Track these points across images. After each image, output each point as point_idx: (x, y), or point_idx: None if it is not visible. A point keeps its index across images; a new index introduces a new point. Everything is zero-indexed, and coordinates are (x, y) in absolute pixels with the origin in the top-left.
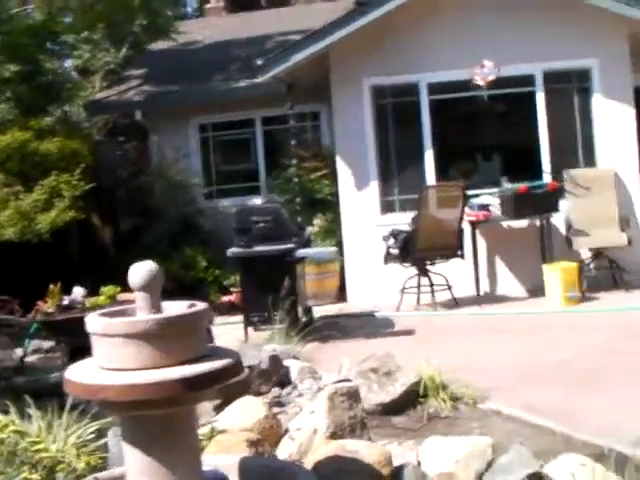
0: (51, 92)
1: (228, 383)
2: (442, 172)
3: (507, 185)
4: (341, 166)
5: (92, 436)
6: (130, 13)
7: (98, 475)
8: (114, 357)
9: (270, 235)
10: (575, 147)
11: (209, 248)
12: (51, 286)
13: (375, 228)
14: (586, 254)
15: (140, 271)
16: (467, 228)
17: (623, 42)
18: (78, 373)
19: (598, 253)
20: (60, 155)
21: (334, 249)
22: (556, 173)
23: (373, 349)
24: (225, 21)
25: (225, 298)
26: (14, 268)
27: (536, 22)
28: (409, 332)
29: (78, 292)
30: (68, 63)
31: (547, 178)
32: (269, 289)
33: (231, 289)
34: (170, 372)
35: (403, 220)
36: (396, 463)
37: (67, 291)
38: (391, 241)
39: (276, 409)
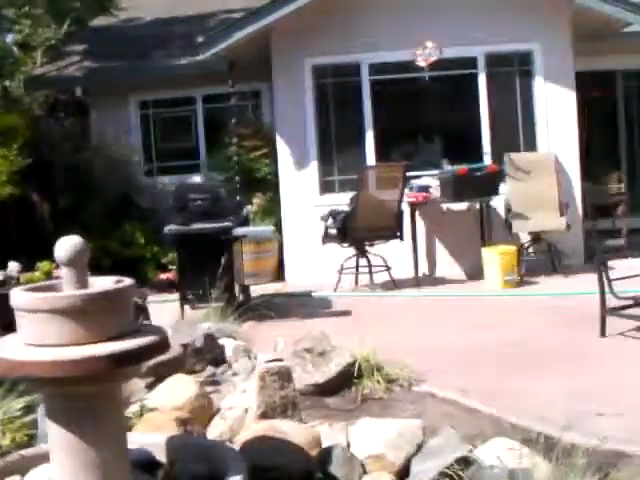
0: None
1: (156, 361)
2: (383, 153)
3: (447, 167)
4: (281, 145)
5: (20, 412)
6: None
7: (23, 452)
8: (37, 333)
9: (208, 213)
10: (516, 130)
11: (148, 225)
12: None
13: (314, 208)
14: (525, 238)
15: (65, 246)
16: (407, 209)
17: (565, 26)
18: (0, 349)
19: (537, 237)
20: None
21: (272, 228)
22: (497, 156)
23: (309, 329)
24: None
25: (163, 276)
26: None
27: (480, 4)
28: (346, 313)
29: (13, 267)
30: (9, 38)
31: (487, 161)
32: (205, 267)
33: (169, 267)
34: (93, 349)
35: (342, 200)
36: (326, 444)
37: (3, 266)
38: (329, 221)
39: (210, 388)
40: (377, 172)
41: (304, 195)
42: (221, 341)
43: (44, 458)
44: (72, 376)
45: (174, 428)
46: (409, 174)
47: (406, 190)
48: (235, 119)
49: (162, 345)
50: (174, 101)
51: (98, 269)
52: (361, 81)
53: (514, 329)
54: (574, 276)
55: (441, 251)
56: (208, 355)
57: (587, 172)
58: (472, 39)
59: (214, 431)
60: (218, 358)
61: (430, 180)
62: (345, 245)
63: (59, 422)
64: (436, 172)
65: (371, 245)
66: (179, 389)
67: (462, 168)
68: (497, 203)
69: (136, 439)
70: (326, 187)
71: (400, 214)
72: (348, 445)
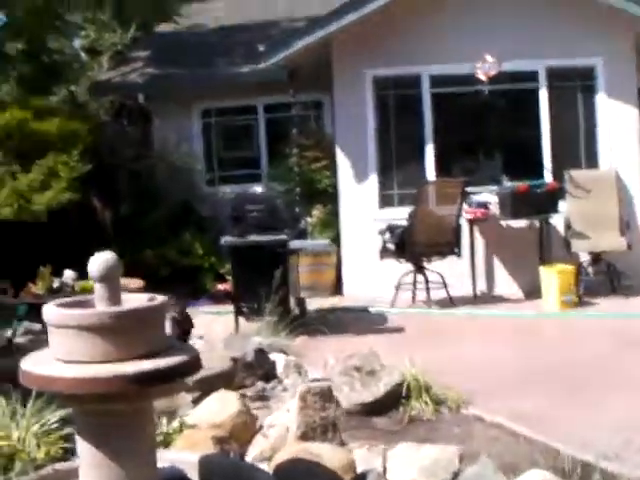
0: (55, 72)
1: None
2: (443, 167)
3: (507, 183)
4: (341, 158)
5: (56, 425)
6: None
7: (57, 466)
8: (67, 349)
9: (264, 225)
10: (577, 147)
11: (207, 235)
12: (41, 268)
13: (373, 222)
14: (585, 257)
15: (98, 262)
16: (465, 226)
17: (629, 41)
18: (32, 363)
19: (597, 257)
20: (59, 136)
21: (328, 242)
22: (557, 173)
23: (362, 345)
24: (233, 5)
25: (220, 286)
26: (10, 248)
27: (542, 18)
28: (401, 329)
29: (69, 275)
30: (76, 43)
31: (548, 178)
32: (260, 280)
33: (227, 277)
34: (121, 367)
35: (401, 215)
36: (362, 468)
37: (60, 273)
38: (387, 236)
39: (258, 404)
40: (436, 187)
41: (363, 208)
42: (273, 356)
43: (78, 473)
44: (97, 393)
45: (211, 446)
46: (468, 189)
47: (465, 206)
48: (296, 129)
49: (192, 365)
50: (236, 110)
51: (156, 278)
52: (422, 93)
53: (569, 352)
54: (635, 297)
55: (499, 269)
56: (259, 370)
57: None
58: (534, 53)
59: (255, 449)
60: (269, 373)
61: (489, 196)
62: (402, 260)
63: (86, 438)
64: (496, 188)
65: (429, 261)
66: (222, 405)
67: (522, 185)
68: (557, 221)
69: (170, 456)
70: (385, 201)
71: (458, 230)
72: (385, 470)
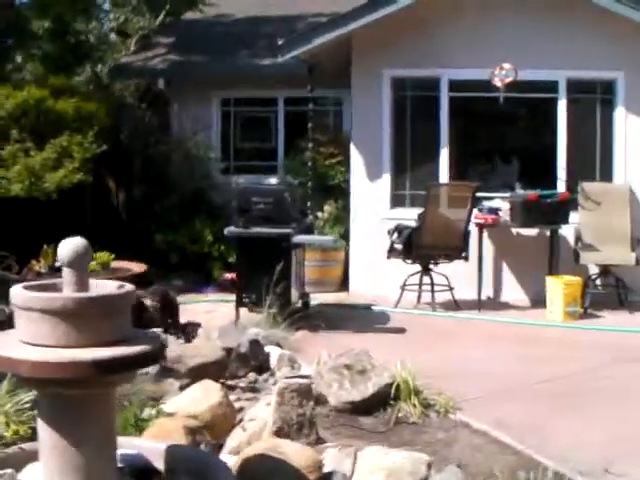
0: (80, 52)
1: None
2: (456, 171)
3: (520, 191)
4: (355, 155)
5: (28, 405)
6: None
7: (23, 445)
8: (31, 332)
9: (269, 218)
10: (593, 159)
11: (218, 223)
12: (45, 246)
13: (383, 221)
14: (594, 270)
15: (67, 246)
16: (475, 230)
17: None
18: None
19: (605, 270)
20: (76, 116)
21: (334, 237)
22: (572, 184)
23: (361, 343)
24: None
25: (228, 275)
26: (19, 225)
27: (564, 29)
28: (401, 330)
29: None
30: (105, 25)
31: (561, 188)
32: (263, 272)
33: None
34: (81, 353)
35: (412, 216)
36: (332, 468)
37: None
38: (395, 236)
39: (249, 395)
40: (446, 190)
41: (374, 207)
42: (268, 348)
43: None
44: (57, 378)
45: (182, 436)
46: (481, 194)
47: (476, 211)
48: (313, 124)
49: (152, 355)
50: (256, 101)
51: (166, 264)
52: (440, 96)
53: (567, 363)
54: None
55: (507, 275)
56: (252, 361)
57: None
58: (555, 63)
59: (233, 441)
60: (262, 365)
61: (501, 203)
62: (409, 261)
63: (46, 421)
64: (508, 195)
65: (436, 264)
66: (202, 396)
67: (532, 194)
68: (567, 232)
69: (137, 443)
70: (397, 201)
71: (467, 234)
72: (352, 472)
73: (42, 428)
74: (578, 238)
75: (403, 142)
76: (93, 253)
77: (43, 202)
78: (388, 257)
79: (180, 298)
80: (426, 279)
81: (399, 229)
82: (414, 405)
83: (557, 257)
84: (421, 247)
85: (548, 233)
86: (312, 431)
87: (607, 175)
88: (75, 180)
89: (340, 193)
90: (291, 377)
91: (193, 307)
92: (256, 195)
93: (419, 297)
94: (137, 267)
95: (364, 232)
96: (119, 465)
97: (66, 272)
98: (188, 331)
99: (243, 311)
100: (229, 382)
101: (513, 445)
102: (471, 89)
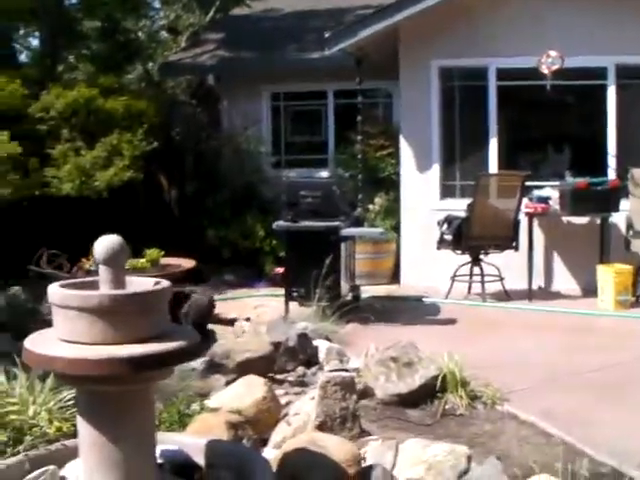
0: (129, 50)
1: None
2: (506, 160)
3: (570, 179)
4: (404, 146)
5: (71, 402)
6: None
7: (66, 442)
8: (68, 329)
9: (318, 211)
10: None
11: (269, 218)
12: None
13: (433, 212)
14: None
15: (103, 244)
16: (524, 220)
17: None
18: (33, 342)
19: None
20: (125, 114)
21: (381, 230)
22: (622, 171)
23: (409, 336)
24: None
25: (279, 269)
26: (72, 223)
27: (613, 15)
28: (451, 321)
29: None
30: (157, 23)
31: (611, 175)
32: (312, 265)
33: None
34: (116, 350)
35: (462, 206)
36: (373, 461)
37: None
38: (445, 227)
39: (297, 389)
40: (495, 180)
41: (424, 198)
42: (316, 342)
43: None
44: (93, 375)
45: (224, 431)
46: (531, 183)
47: (525, 200)
48: (362, 117)
49: (189, 351)
50: (305, 94)
51: (218, 259)
52: (488, 85)
53: (618, 353)
54: None
55: (557, 264)
56: (301, 355)
57: None
58: (603, 49)
59: (278, 436)
60: (311, 359)
61: (551, 191)
62: (459, 252)
63: (85, 417)
64: (557, 183)
65: (486, 254)
66: (246, 391)
67: (581, 182)
68: (618, 219)
69: (178, 439)
70: (446, 191)
71: (517, 224)
72: (394, 465)
73: (81, 425)
74: (629, 226)
75: (452, 132)
76: (145, 250)
77: (94, 200)
78: (438, 248)
79: (232, 293)
80: (476, 269)
81: (449, 220)
82: (461, 397)
83: (608, 245)
84: (471, 238)
85: (598, 221)
86: (355, 424)
87: None
88: (125, 178)
89: (391, 185)
90: (335, 370)
91: (244, 302)
92: (304, 188)
93: (469, 288)
94: (186, 263)
95: (414, 224)
96: (159, 461)
97: (102, 269)
98: (209, 336)
99: (292, 305)
100: (277, 376)
101: (560, 436)
102: (519, 77)
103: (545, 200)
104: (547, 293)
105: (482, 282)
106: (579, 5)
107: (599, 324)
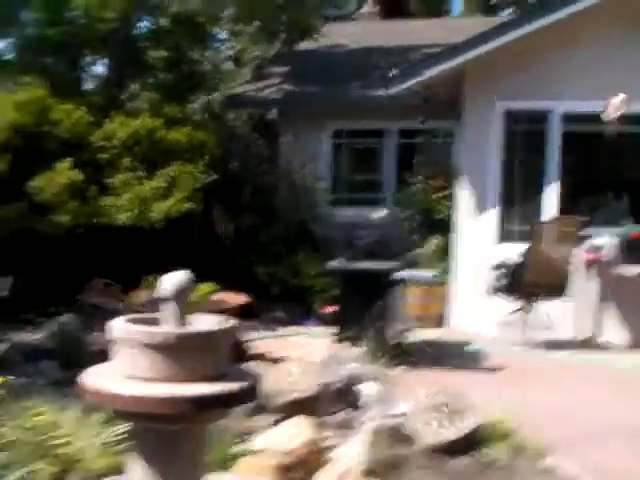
0: (194, 81)
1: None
2: (566, 206)
3: (626, 228)
4: (462, 188)
5: (121, 437)
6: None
7: (114, 478)
8: (130, 365)
9: (375, 252)
10: None
11: (322, 256)
12: (149, 277)
13: (489, 256)
14: None
15: (172, 281)
16: (579, 268)
17: None
18: (93, 377)
19: None
20: (187, 145)
21: (433, 273)
22: None
23: (456, 381)
24: (376, 26)
25: (329, 309)
26: (127, 253)
27: None
28: (499, 369)
29: None
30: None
31: None
32: (364, 306)
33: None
34: (180, 389)
35: (517, 251)
36: None
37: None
38: (500, 272)
39: (342, 431)
40: (552, 226)
41: (479, 242)
42: (365, 384)
43: None
44: (154, 413)
45: (272, 474)
46: (587, 232)
47: (581, 247)
48: (423, 156)
49: (251, 392)
50: (368, 132)
51: (268, 295)
52: (551, 129)
53: None
54: None
55: (609, 315)
56: (348, 397)
57: None
58: None
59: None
60: (358, 402)
61: (607, 239)
62: (511, 298)
63: (139, 454)
64: (615, 231)
65: (538, 301)
66: (293, 433)
67: (636, 231)
68: None
69: None
70: (503, 236)
71: (571, 272)
72: None
73: (133, 460)
74: None
75: (511, 176)
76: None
77: (149, 231)
78: (491, 293)
79: (282, 330)
80: (527, 317)
81: (503, 265)
82: (505, 448)
83: None
84: (525, 285)
85: None
86: (403, 472)
87: None
88: (183, 209)
89: (446, 227)
90: (384, 416)
91: (294, 339)
92: (362, 228)
93: (520, 335)
94: (238, 299)
95: (468, 268)
96: None
97: (167, 306)
98: None
99: (342, 345)
100: (324, 418)
101: None
102: (583, 121)
103: (601, 248)
104: (596, 344)
105: (533, 330)
106: None
107: None
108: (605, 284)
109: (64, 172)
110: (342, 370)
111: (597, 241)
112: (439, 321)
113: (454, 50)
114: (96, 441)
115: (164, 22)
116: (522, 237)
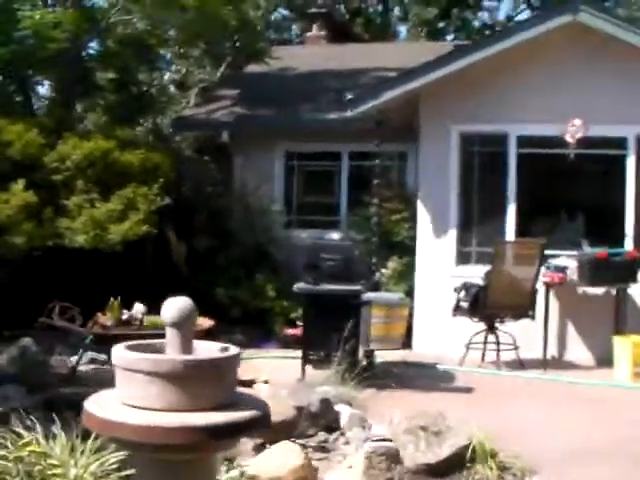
0: (142, 103)
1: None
2: (523, 228)
3: (587, 249)
4: (421, 211)
5: (116, 466)
6: (227, 34)
7: None
8: (134, 394)
9: (338, 275)
10: None
11: (280, 278)
12: (112, 299)
13: (449, 278)
14: None
15: (173, 307)
16: (541, 289)
17: None
18: (97, 405)
19: None
20: (141, 168)
21: (400, 295)
22: (638, 242)
23: (429, 403)
24: (323, 50)
25: (290, 331)
26: (83, 276)
27: (634, 84)
28: (468, 390)
29: (138, 309)
30: (166, 76)
31: (629, 246)
32: (331, 329)
33: (297, 322)
34: (190, 418)
35: (478, 273)
36: None
37: (130, 305)
38: (462, 294)
39: (319, 455)
40: (514, 248)
41: (440, 264)
42: (337, 407)
43: None
44: (164, 443)
45: None
46: (547, 252)
47: (543, 269)
48: (378, 179)
49: (263, 421)
50: (319, 155)
51: (227, 318)
52: (507, 152)
53: (637, 426)
54: None
55: (572, 334)
56: (322, 420)
57: None
58: (624, 119)
59: None
60: (332, 425)
61: (568, 260)
62: (475, 320)
63: None
64: (575, 253)
65: (501, 322)
66: (283, 458)
67: (601, 252)
68: (635, 291)
69: None
70: (463, 258)
71: (534, 293)
72: None
73: None
74: None
75: (470, 198)
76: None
77: (106, 254)
78: (454, 315)
79: (245, 353)
80: (491, 338)
81: (466, 287)
82: (490, 468)
83: (624, 316)
84: (488, 306)
85: (614, 292)
86: None
87: None
88: (140, 232)
89: (404, 249)
90: (373, 440)
91: (255, 363)
92: (325, 251)
93: (483, 355)
94: (205, 322)
95: (429, 289)
96: None
97: (171, 333)
98: None
99: (308, 368)
100: (298, 441)
101: None
102: (539, 145)
103: (562, 269)
104: (561, 363)
105: (497, 350)
106: (600, 74)
107: (617, 397)
108: (567, 304)
109: (19, 193)
110: (315, 394)
111: (559, 262)
112: (400, 342)
113: (410, 74)
114: (91, 469)
115: (112, 44)
116: (480, 259)
